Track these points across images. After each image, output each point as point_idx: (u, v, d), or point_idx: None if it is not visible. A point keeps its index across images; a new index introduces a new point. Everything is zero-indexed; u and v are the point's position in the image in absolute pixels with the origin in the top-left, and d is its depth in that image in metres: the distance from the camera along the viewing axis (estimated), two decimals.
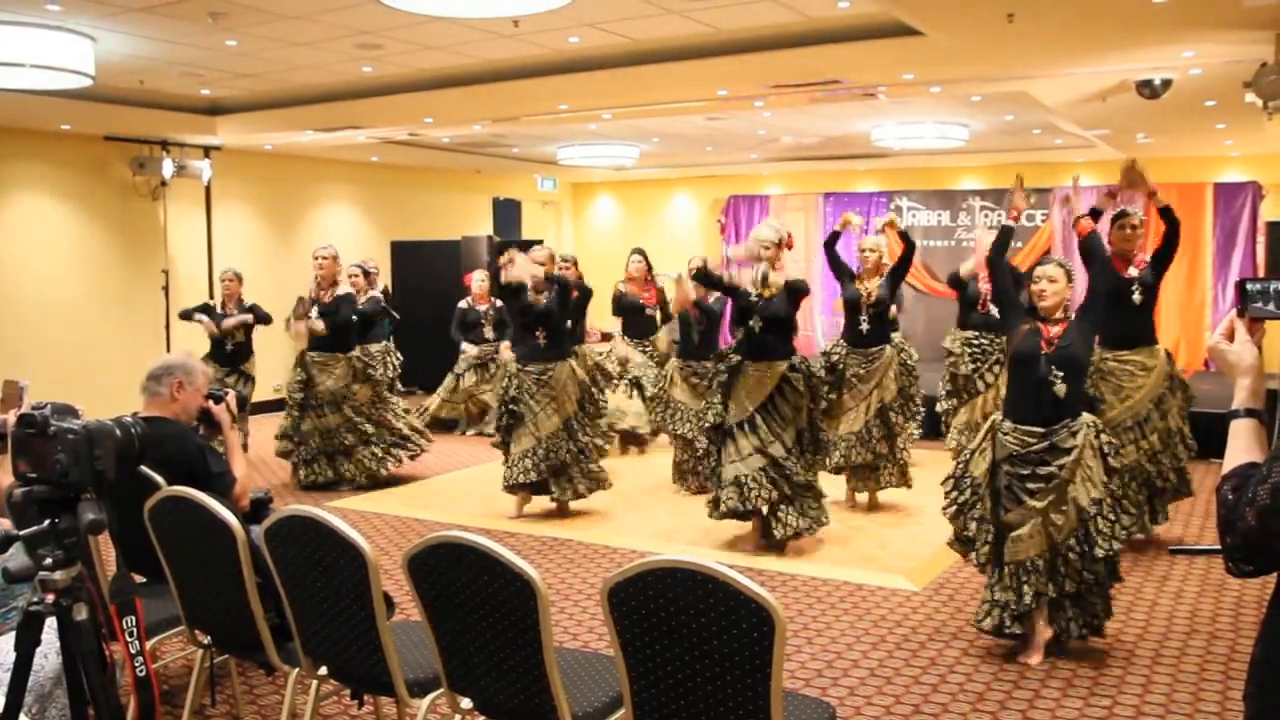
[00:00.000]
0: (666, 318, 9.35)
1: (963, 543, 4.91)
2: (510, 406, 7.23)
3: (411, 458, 8.57)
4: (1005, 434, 4.71)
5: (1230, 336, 2.06)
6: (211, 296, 10.88)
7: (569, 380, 7.15)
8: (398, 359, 9.59)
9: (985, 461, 4.78)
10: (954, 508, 4.87)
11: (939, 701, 4.37)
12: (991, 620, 4.80)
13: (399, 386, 9.64)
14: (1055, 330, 4.68)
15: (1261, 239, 12.61)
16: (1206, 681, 4.55)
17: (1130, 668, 4.71)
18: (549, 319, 7.13)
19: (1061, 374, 4.60)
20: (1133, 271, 6.25)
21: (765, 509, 6.23)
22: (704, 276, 6.73)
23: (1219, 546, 1.90)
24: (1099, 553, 4.55)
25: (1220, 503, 1.86)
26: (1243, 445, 1.95)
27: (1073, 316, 4.77)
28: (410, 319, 12.21)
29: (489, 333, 10.43)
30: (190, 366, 4.04)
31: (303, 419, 8.27)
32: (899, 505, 7.54)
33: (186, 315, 9.40)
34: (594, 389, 7.41)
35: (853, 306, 7.33)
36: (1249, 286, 2.06)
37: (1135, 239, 6.34)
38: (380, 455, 8.36)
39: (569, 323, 7.60)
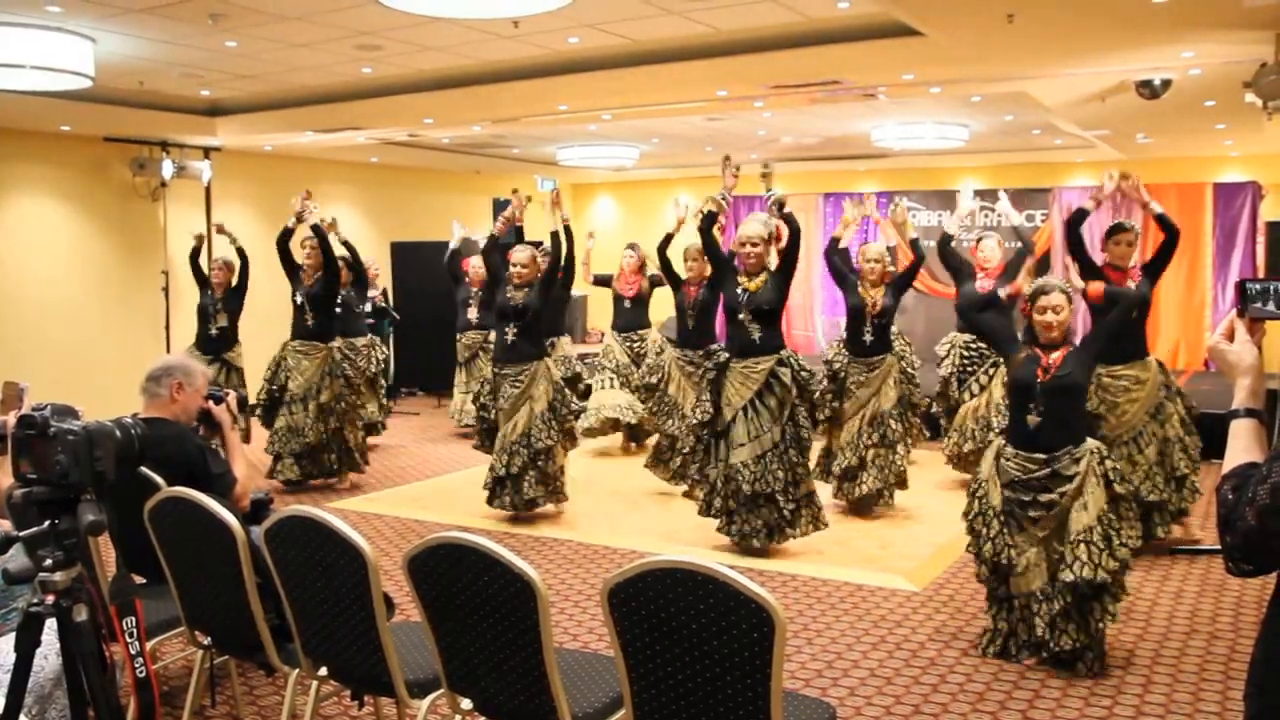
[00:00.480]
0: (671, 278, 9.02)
1: (997, 573, 4.76)
2: (482, 413, 7.25)
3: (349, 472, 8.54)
4: (1007, 460, 4.66)
5: (1230, 337, 2.06)
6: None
7: (543, 378, 7.10)
8: (383, 353, 9.57)
9: (998, 490, 4.72)
10: (989, 544, 4.71)
11: (939, 702, 4.37)
12: (995, 648, 4.82)
13: (383, 381, 9.59)
14: (1055, 357, 4.61)
15: (1261, 239, 12.60)
16: (1206, 682, 4.55)
17: (1130, 668, 4.70)
18: (524, 315, 7.06)
19: (1043, 407, 4.55)
20: (1129, 285, 6.24)
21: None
22: (709, 224, 6.52)
23: (1219, 546, 1.90)
24: (1067, 577, 4.46)
25: (1220, 502, 1.87)
26: (1243, 445, 1.95)
27: (1075, 343, 4.72)
28: (410, 320, 12.24)
29: (473, 314, 10.32)
30: (190, 368, 4.04)
31: (274, 416, 8.29)
32: (900, 506, 7.50)
33: (195, 255, 9.25)
34: (566, 390, 7.33)
35: (857, 315, 7.23)
36: (1249, 287, 2.06)
37: (1131, 253, 6.35)
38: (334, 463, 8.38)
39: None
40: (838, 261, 7.40)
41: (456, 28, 7.22)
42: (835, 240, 7.44)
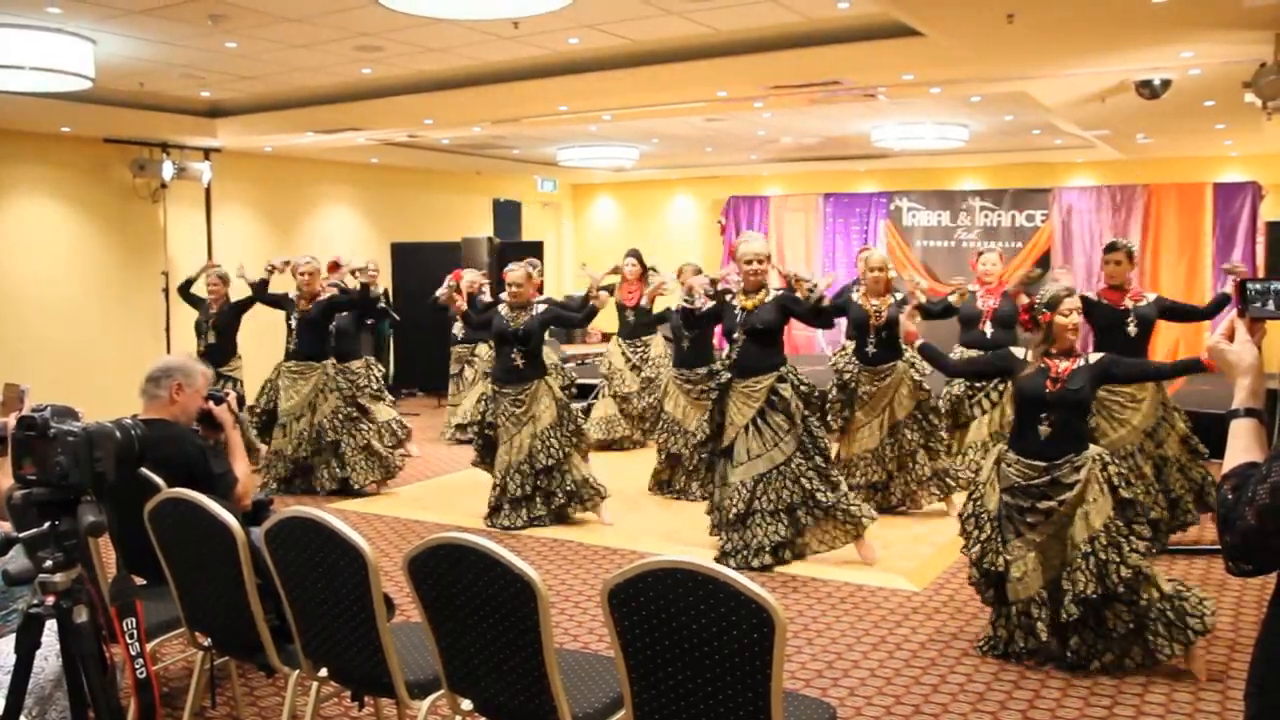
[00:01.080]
0: (658, 319, 9.28)
1: (986, 578, 4.76)
2: (485, 431, 7.23)
3: (387, 477, 8.36)
4: (1009, 465, 4.65)
5: (1231, 337, 2.06)
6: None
7: (545, 395, 7.06)
8: (379, 371, 9.59)
9: (996, 494, 4.71)
10: (978, 547, 4.72)
11: (939, 702, 4.37)
12: (996, 653, 4.81)
13: (388, 398, 9.57)
14: (1064, 368, 4.58)
15: (1261, 239, 12.59)
16: (1207, 681, 4.55)
17: (1131, 669, 4.70)
18: (526, 340, 7.03)
19: (1054, 416, 4.53)
20: (1128, 303, 6.28)
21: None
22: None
23: (1218, 546, 1.90)
24: (1076, 588, 4.46)
25: (1220, 502, 1.87)
26: (1242, 445, 1.95)
27: (1089, 356, 4.67)
28: (410, 321, 12.23)
29: (457, 330, 10.32)
30: (189, 368, 4.04)
31: (269, 435, 8.27)
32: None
33: (187, 285, 9.27)
34: (571, 405, 7.26)
35: (860, 327, 7.13)
36: (1249, 287, 2.05)
37: (1123, 272, 6.38)
38: (347, 465, 8.17)
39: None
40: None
41: (457, 29, 7.22)
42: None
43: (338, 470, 8.16)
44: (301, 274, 8.20)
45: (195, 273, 9.36)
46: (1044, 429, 4.55)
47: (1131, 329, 6.25)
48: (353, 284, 8.43)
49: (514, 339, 7.04)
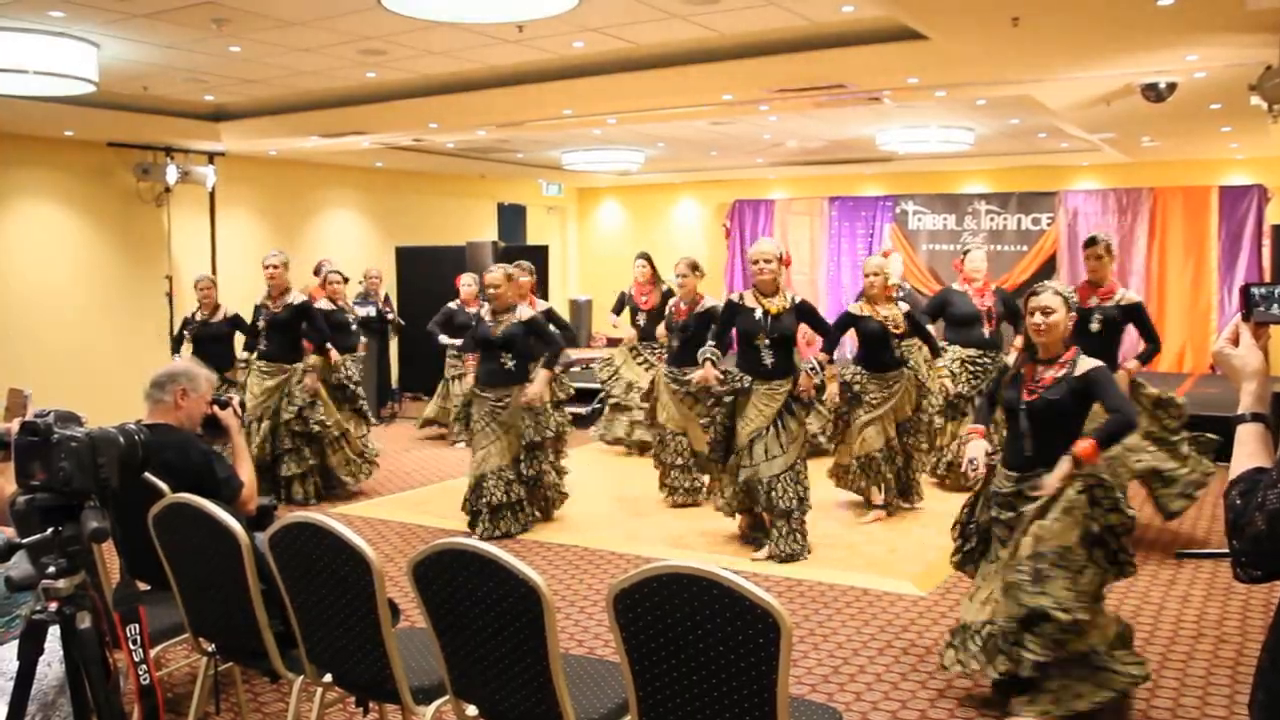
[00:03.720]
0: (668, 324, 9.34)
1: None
2: (467, 425, 7.18)
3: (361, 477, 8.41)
4: (996, 476, 4.35)
5: (1235, 341, 2.05)
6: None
7: (525, 410, 6.92)
8: (357, 368, 9.63)
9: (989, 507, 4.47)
10: (959, 556, 4.51)
11: (945, 707, 4.35)
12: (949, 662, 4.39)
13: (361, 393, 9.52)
14: (1048, 375, 4.17)
15: (1267, 242, 12.58)
16: (1214, 686, 4.53)
17: None
18: (509, 346, 6.86)
19: (1032, 427, 4.14)
20: (1093, 301, 6.35)
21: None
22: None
23: (1226, 550, 1.89)
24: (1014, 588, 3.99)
25: (1228, 508, 1.85)
26: (1249, 450, 1.93)
27: (1078, 364, 4.17)
28: (414, 325, 12.23)
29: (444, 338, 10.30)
30: (193, 373, 4.04)
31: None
32: (904, 508, 7.49)
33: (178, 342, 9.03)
34: (552, 415, 7.16)
35: (879, 339, 7.08)
36: (1254, 291, 2.04)
37: (1102, 266, 6.46)
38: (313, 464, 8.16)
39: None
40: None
41: (460, 32, 7.23)
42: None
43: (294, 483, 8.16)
44: (268, 267, 8.04)
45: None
46: (1027, 441, 4.17)
47: (1094, 325, 6.25)
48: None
49: (496, 345, 6.86)
